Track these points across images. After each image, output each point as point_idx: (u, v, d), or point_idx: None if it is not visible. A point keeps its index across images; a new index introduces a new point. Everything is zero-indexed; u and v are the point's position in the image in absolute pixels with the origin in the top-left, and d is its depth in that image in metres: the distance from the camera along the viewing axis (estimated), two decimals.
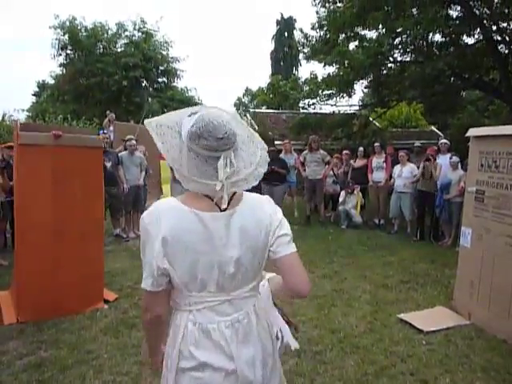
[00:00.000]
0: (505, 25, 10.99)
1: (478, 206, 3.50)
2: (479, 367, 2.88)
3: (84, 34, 17.85)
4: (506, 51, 11.08)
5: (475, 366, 2.89)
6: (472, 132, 3.58)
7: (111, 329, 3.36)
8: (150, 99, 19.07)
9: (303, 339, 3.21)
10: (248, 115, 19.21)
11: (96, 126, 12.15)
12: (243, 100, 38.54)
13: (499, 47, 11.05)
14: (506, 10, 10.73)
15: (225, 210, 1.21)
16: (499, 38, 11.02)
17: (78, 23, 17.80)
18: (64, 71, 18.83)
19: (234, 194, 1.24)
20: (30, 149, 3.47)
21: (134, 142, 6.94)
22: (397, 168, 7.48)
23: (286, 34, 36.25)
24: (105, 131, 8.69)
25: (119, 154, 6.68)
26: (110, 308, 3.80)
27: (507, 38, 10.89)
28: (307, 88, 13.34)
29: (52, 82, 20.49)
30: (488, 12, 10.63)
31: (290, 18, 35.95)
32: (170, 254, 1.20)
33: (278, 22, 37.03)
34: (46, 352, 2.99)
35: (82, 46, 17.65)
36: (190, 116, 1.22)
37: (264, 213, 1.29)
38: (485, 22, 10.66)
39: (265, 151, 1.28)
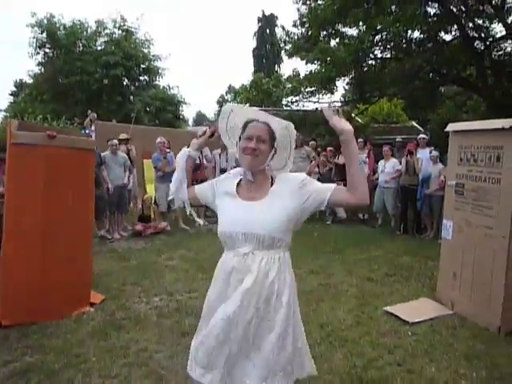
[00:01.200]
0: (480, 22, 11.24)
1: (458, 198, 3.59)
2: (462, 355, 2.96)
3: (62, 32, 17.44)
4: (482, 47, 11.34)
5: (459, 354, 2.98)
6: (451, 127, 3.66)
7: (99, 331, 3.33)
8: (131, 98, 18.81)
9: None
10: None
11: (77, 126, 11.93)
12: (226, 97, 38.48)
13: (475, 43, 11.30)
14: (481, 8, 10.99)
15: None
16: (475, 35, 11.27)
17: (56, 21, 17.38)
18: (42, 70, 18.42)
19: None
20: (23, 148, 3.40)
21: (115, 141, 6.87)
22: (380, 163, 7.60)
23: (267, 31, 36.33)
24: (86, 131, 8.56)
25: (102, 154, 6.60)
26: (96, 310, 3.76)
27: (482, 35, 11.15)
28: (290, 85, 13.39)
29: (30, 81, 20.02)
30: (464, 9, 10.86)
31: (272, 15, 36.04)
32: None
33: (259, 20, 37.07)
34: (32, 357, 2.93)
35: (61, 44, 17.25)
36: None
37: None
38: (461, 19, 10.89)
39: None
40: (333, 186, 1.62)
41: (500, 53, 12.08)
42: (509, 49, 11.90)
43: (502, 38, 11.53)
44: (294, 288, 1.68)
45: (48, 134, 3.49)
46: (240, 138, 1.65)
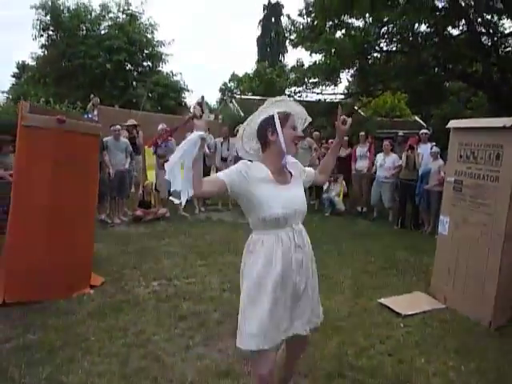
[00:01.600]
0: (489, 17, 11.14)
1: (456, 195, 3.64)
2: (453, 348, 3.03)
3: (67, 14, 17.32)
4: (489, 43, 11.26)
5: (449, 347, 3.05)
6: (452, 124, 3.69)
7: (98, 312, 3.41)
8: (134, 83, 18.72)
9: None
10: (234, 101, 19.14)
11: (79, 110, 11.92)
12: (229, 85, 38.23)
13: (483, 39, 11.23)
14: (491, 3, 10.88)
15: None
16: (483, 30, 11.19)
17: (61, 3, 17.26)
18: (46, 53, 18.32)
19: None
20: (33, 131, 3.45)
21: (118, 127, 6.89)
22: (379, 157, 7.62)
23: (272, 19, 35.93)
24: (89, 115, 8.58)
25: (104, 139, 6.62)
26: (96, 292, 3.84)
27: (491, 31, 11.06)
28: (293, 76, 13.33)
29: (33, 63, 19.93)
30: (473, 4, 10.76)
31: (277, 3, 35.62)
32: None
33: (264, 8, 36.65)
34: (34, 335, 3.02)
35: (65, 27, 17.14)
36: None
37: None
38: (470, 13, 10.79)
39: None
40: (313, 170, 2.19)
41: (508, 49, 12.00)
42: None
43: (509, 34, 11.45)
44: None
45: (58, 119, 3.53)
46: (277, 127, 1.87)
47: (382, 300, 3.83)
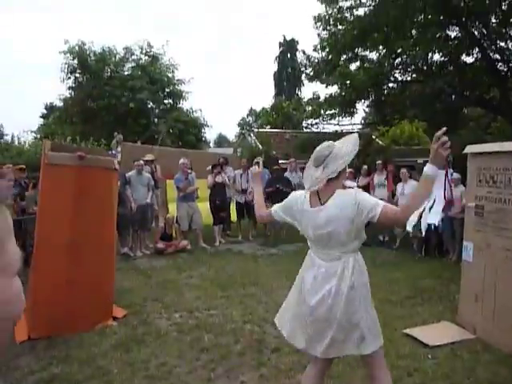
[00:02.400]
0: (503, 44, 11.23)
1: (478, 220, 3.58)
2: (486, 381, 2.90)
3: (93, 58, 18.34)
4: (505, 69, 11.28)
5: (482, 380, 2.91)
6: (469, 149, 3.69)
7: (121, 345, 3.42)
8: (156, 120, 19.40)
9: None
10: (252, 135, 19.52)
11: (104, 147, 12.39)
12: (247, 120, 39.10)
13: (498, 65, 11.27)
14: (503, 30, 10.99)
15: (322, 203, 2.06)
16: (498, 57, 11.25)
17: (87, 48, 18.32)
18: (72, 94, 19.30)
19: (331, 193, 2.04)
20: (56, 168, 3.62)
21: (141, 162, 7.12)
22: (399, 185, 7.57)
23: (288, 55, 37.05)
24: (113, 151, 8.91)
25: (127, 174, 6.84)
26: (119, 325, 3.87)
27: (505, 57, 11.11)
28: (310, 108, 13.58)
29: (60, 104, 20.97)
30: (485, 32, 10.89)
31: (293, 40, 36.80)
32: None
33: (280, 44, 37.89)
34: (57, 368, 3.05)
35: (91, 69, 18.11)
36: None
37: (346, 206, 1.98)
38: (483, 41, 10.91)
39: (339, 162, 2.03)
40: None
41: None
42: None
43: None
44: None
45: (79, 155, 3.70)
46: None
47: (408, 330, 3.71)
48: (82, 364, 3.09)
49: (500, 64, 11.31)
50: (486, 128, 16.90)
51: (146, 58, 19.61)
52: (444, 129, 1.78)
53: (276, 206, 2.31)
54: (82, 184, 3.72)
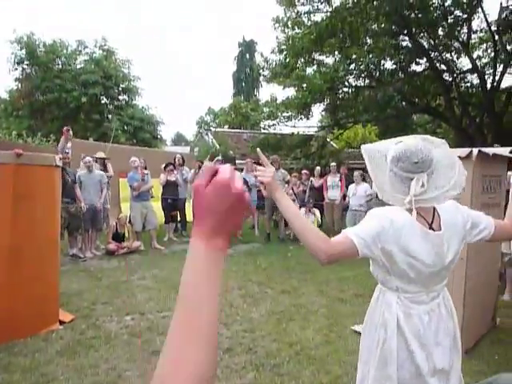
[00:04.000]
0: (448, 55, 11.96)
1: None
2: None
3: (42, 49, 17.46)
4: (450, 79, 12.02)
5: None
6: None
7: (67, 350, 3.30)
8: (109, 116, 18.79)
9: (262, 353, 3.31)
10: (209, 134, 19.42)
11: (52, 143, 11.83)
12: (205, 119, 38.79)
13: (444, 75, 11.98)
14: (449, 42, 11.71)
15: (430, 225, 1.51)
16: (444, 68, 11.96)
17: (37, 38, 17.42)
18: (20, 86, 18.27)
19: (435, 210, 1.54)
20: None
21: (89, 158, 6.89)
22: (351, 187, 7.84)
23: (247, 55, 37.16)
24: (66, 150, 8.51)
25: (78, 174, 6.60)
26: (66, 329, 3.72)
27: (450, 68, 11.84)
28: (267, 110, 13.74)
29: (6, 96, 19.78)
30: (433, 43, 11.55)
31: (252, 41, 36.97)
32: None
33: (239, 44, 37.93)
34: None
35: (40, 61, 17.22)
36: (396, 144, 1.52)
37: (457, 220, 1.56)
38: (430, 52, 11.56)
39: (462, 177, 1.49)
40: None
41: (467, 84, 12.84)
42: (474, 81, 12.67)
43: (467, 71, 12.28)
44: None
45: (16, 152, 3.51)
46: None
47: (356, 327, 3.86)
48: (25, 372, 2.94)
49: (446, 74, 12.05)
50: (432, 134, 17.92)
51: (100, 51, 18.93)
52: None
53: (357, 232, 1.51)
54: (21, 183, 3.52)
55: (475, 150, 3.21)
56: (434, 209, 1.53)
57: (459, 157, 3.20)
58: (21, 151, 3.54)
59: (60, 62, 17.98)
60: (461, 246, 1.57)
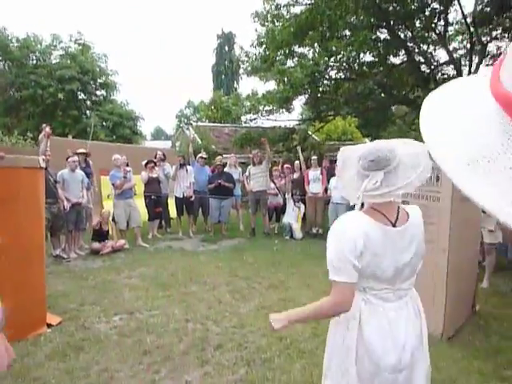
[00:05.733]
0: (425, 47, 12.15)
1: None
2: None
3: (15, 44, 16.94)
4: (428, 71, 12.22)
5: None
6: None
7: (57, 353, 3.28)
8: (88, 112, 18.44)
9: (252, 348, 3.37)
10: (191, 128, 19.26)
11: (30, 142, 11.55)
12: (185, 112, 38.44)
13: (421, 67, 12.18)
14: (426, 34, 11.90)
15: (394, 223, 1.55)
16: (422, 60, 12.15)
17: (9, 33, 16.89)
18: None
19: (399, 209, 1.59)
20: None
21: (75, 158, 6.78)
22: (333, 180, 7.93)
23: (226, 48, 36.89)
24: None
25: (59, 173, 6.48)
26: (54, 332, 3.70)
27: (428, 60, 12.04)
28: (248, 104, 13.71)
29: None
30: (410, 35, 11.71)
31: (230, 33, 36.69)
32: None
33: (218, 37, 37.61)
34: None
35: (13, 56, 16.73)
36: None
37: (420, 224, 1.63)
38: (408, 44, 11.72)
39: (420, 177, 1.49)
40: None
41: (444, 76, 13.08)
42: (451, 73, 12.92)
43: (445, 62, 12.51)
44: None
45: None
46: None
47: None
48: (15, 377, 2.92)
49: (423, 66, 12.24)
50: (411, 125, 18.25)
51: (76, 46, 18.49)
52: None
53: (346, 270, 1.49)
54: (4, 186, 3.46)
55: None
56: (399, 207, 1.60)
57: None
58: (2, 154, 3.47)
59: (34, 58, 17.51)
60: (423, 247, 1.62)
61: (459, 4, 11.19)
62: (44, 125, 9.65)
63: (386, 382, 1.57)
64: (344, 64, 11.91)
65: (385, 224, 1.53)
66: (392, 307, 1.57)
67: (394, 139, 1.65)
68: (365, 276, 1.53)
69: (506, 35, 11.30)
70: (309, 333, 3.70)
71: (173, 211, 8.76)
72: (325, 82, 12.67)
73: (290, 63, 12.49)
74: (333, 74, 12.57)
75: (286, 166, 9.17)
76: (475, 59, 11.62)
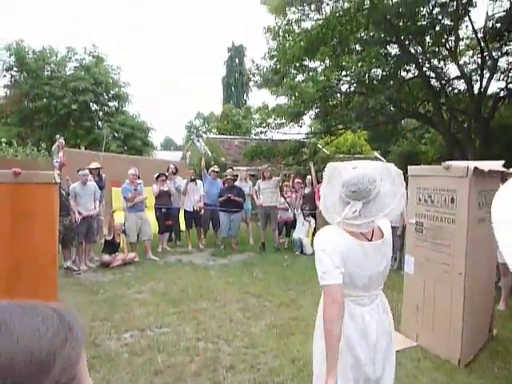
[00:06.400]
0: (436, 62, 12.16)
1: (419, 236, 3.85)
2: None
3: (32, 56, 17.32)
4: (438, 86, 12.22)
5: None
6: (410, 171, 3.96)
7: None
8: (100, 123, 18.69)
9: (265, 370, 3.32)
10: (201, 140, 19.39)
11: (44, 152, 11.71)
12: (194, 123, 38.76)
13: (432, 82, 12.17)
14: (437, 49, 11.91)
15: (371, 238, 1.78)
16: (432, 74, 12.16)
17: (26, 46, 17.29)
18: (8, 93, 18.08)
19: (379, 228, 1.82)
20: None
21: (86, 171, 6.84)
22: None
23: (237, 60, 37.27)
24: (54, 158, 8.42)
25: (71, 186, 6.54)
26: None
27: (438, 75, 12.04)
28: (259, 117, 13.79)
29: None
30: (421, 50, 11.74)
31: (241, 46, 37.10)
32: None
33: (229, 49, 38.02)
34: None
35: (29, 68, 17.10)
36: (352, 169, 1.71)
37: (391, 239, 1.89)
38: (419, 59, 11.74)
39: (397, 209, 1.68)
40: None
41: (455, 91, 13.07)
42: (461, 87, 12.91)
43: (455, 77, 12.50)
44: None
45: (14, 171, 3.48)
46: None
47: None
48: None
49: (434, 80, 12.24)
50: (420, 138, 18.20)
51: (90, 58, 18.84)
52: None
53: (333, 274, 1.67)
54: (19, 202, 3.48)
55: (471, 168, 3.27)
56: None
57: (457, 176, 3.25)
58: (19, 170, 3.51)
59: (49, 69, 17.86)
60: (390, 256, 1.89)
61: (470, 20, 11.22)
62: (58, 135, 9.83)
63: (362, 373, 1.83)
64: (355, 78, 11.94)
65: (362, 240, 1.74)
66: (367, 310, 1.81)
67: (378, 163, 1.83)
68: (346, 284, 1.71)
69: None
70: None
71: (182, 224, 8.77)
72: (336, 95, 12.72)
73: (300, 77, 12.56)
74: (344, 88, 12.62)
75: (296, 180, 9.14)
76: (486, 74, 11.59)
